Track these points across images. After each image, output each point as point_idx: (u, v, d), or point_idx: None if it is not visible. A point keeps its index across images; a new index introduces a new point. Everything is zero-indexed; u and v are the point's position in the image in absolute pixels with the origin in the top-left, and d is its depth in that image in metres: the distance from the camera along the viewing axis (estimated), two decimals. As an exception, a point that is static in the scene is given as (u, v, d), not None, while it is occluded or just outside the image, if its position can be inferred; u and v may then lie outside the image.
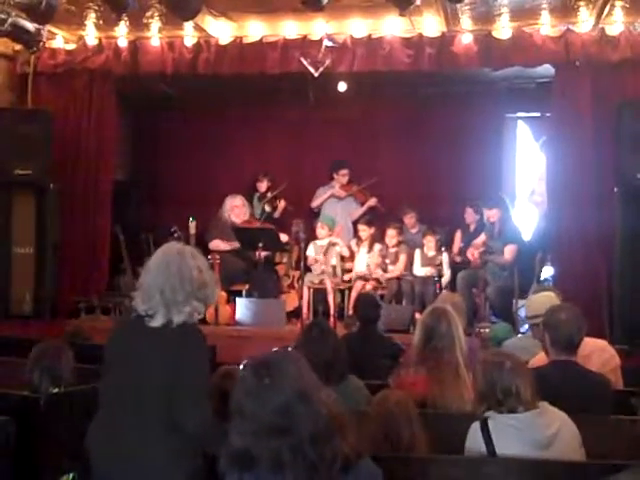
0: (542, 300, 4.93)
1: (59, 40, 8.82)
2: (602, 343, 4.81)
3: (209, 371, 3.29)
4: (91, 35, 8.71)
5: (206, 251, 8.65)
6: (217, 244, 9.18)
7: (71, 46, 8.92)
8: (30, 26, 7.32)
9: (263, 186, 10.04)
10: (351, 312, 8.47)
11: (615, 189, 7.63)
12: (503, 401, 3.34)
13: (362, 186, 9.94)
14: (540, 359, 4.37)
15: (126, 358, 3.26)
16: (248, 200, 9.82)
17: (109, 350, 3.37)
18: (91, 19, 8.21)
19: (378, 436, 3.34)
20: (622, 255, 7.57)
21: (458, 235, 9.52)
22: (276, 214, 10.04)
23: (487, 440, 3.30)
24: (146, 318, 3.25)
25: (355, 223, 9.92)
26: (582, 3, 7.35)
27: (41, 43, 8.00)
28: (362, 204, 10.09)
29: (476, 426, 3.38)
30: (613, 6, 7.35)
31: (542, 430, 3.31)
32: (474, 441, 3.38)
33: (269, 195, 9.97)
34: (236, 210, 9.35)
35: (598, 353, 4.60)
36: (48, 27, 8.08)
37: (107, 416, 3.25)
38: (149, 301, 3.25)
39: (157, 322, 3.22)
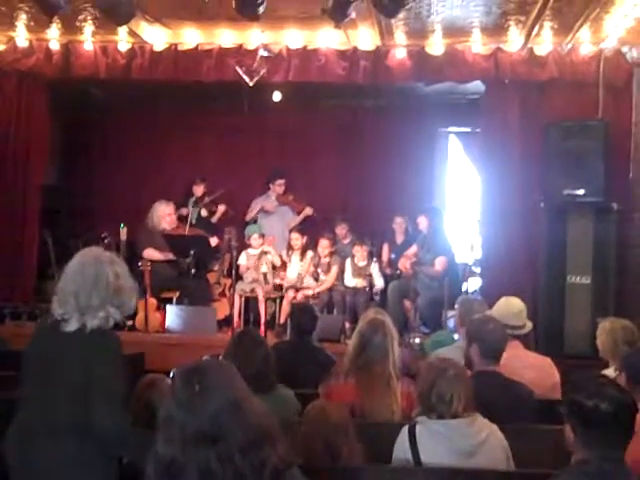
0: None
1: (-12, 41, 8.62)
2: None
3: (123, 376, 3.21)
4: (22, 36, 8.49)
5: (137, 258, 8.54)
6: (151, 253, 8.92)
7: (1, 47, 8.71)
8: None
9: (200, 190, 9.91)
10: (283, 321, 8.49)
11: (542, 204, 7.81)
12: (435, 406, 3.40)
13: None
14: None
15: (41, 363, 3.24)
16: (183, 205, 9.71)
17: (26, 355, 3.34)
18: (22, 20, 8.03)
19: (317, 448, 3.35)
20: (547, 268, 7.74)
21: (385, 248, 9.62)
22: (214, 219, 9.95)
23: (413, 448, 3.36)
24: (62, 322, 3.23)
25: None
26: (512, 22, 7.49)
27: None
28: (298, 213, 10.12)
29: (405, 431, 3.43)
30: (542, 27, 7.52)
31: (467, 439, 3.37)
32: (401, 448, 3.43)
33: (206, 199, 9.90)
34: (168, 218, 9.17)
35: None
36: (-23, 27, 7.94)
37: (23, 420, 3.23)
38: (64, 305, 3.26)
39: (71, 327, 3.21)
